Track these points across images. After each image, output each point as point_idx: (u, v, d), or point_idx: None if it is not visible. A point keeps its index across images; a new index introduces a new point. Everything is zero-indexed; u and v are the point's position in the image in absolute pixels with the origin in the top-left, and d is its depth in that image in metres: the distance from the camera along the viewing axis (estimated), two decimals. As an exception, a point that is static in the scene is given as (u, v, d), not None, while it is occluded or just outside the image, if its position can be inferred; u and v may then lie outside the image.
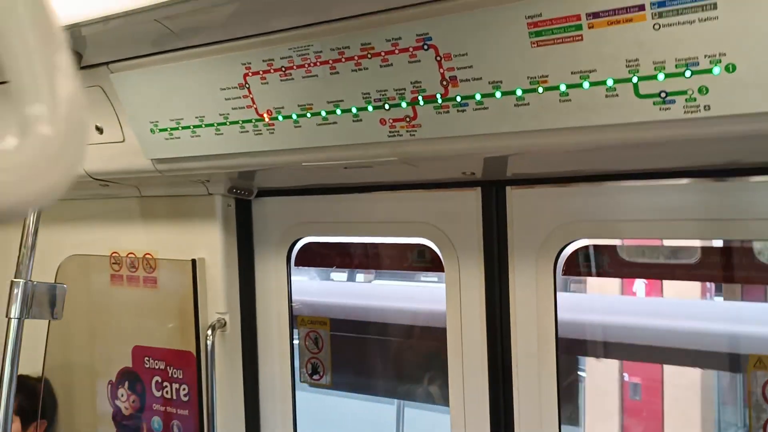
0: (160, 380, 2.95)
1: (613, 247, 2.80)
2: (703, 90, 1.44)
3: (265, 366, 2.94)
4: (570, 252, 2.32)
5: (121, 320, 3.06)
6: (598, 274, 2.76)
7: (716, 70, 1.41)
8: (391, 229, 2.64)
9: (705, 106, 1.46)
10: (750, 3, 1.32)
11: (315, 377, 2.85)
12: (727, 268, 2.74)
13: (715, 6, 1.35)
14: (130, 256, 3.01)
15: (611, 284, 4.32)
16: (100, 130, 2.47)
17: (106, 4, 1.85)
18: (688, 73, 1.44)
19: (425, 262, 2.84)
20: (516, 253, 2.33)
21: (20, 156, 0.40)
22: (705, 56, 1.41)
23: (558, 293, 2.26)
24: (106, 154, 2.51)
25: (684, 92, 1.46)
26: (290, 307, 2.87)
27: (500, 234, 2.35)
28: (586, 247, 2.74)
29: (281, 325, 2.89)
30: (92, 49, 2.16)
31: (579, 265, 2.68)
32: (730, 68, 1.39)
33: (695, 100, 1.46)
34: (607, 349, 3.63)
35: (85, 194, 3.08)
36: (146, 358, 2.99)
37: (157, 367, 2.96)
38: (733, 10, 1.34)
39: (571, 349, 3.47)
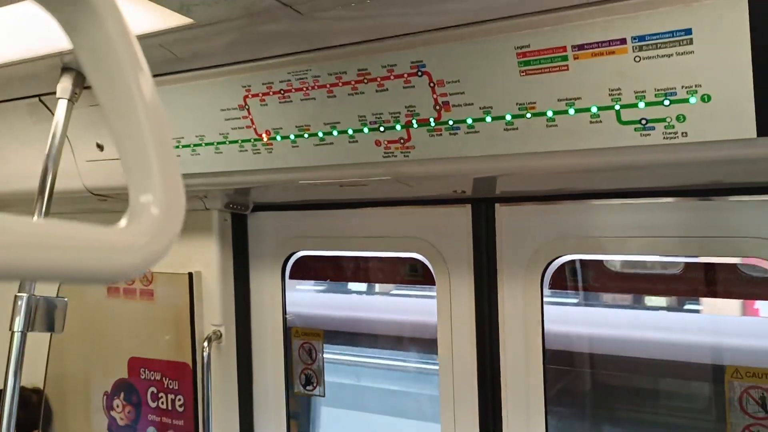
0: (155, 391, 3.01)
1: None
2: (680, 118, 1.54)
3: (260, 377, 3.01)
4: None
5: (118, 332, 3.12)
6: (590, 288, 2.85)
7: (693, 99, 1.51)
8: (384, 243, 2.72)
9: (683, 133, 1.56)
10: (723, 39, 1.42)
11: (308, 388, 2.91)
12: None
13: (691, 41, 1.45)
14: (126, 269, 3.06)
15: (729, 305, 3.82)
16: (100, 147, 2.54)
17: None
18: (666, 102, 1.54)
19: (417, 275, 2.93)
20: (505, 268, 2.42)
21: (128, 234, 0.50)
22: (682, 87, 1.51)
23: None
24: (106, 170, 2.58)
25: (663, 120, 1.56)
26: (284, 319, 2.94)
27: (489, 249, 2.44)
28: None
29: (275, 336, 2.95)
30: (96, 70, 2.23)
31: (569, 279, 2.76)
32: (706, 98, 1.49)
33: (674, 127, 1.56)
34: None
35: (84, 208, 3.14)
36: (142, 370, 3.04)
37: (152, 378, 3.01)
38: (708, 44, 1.44)
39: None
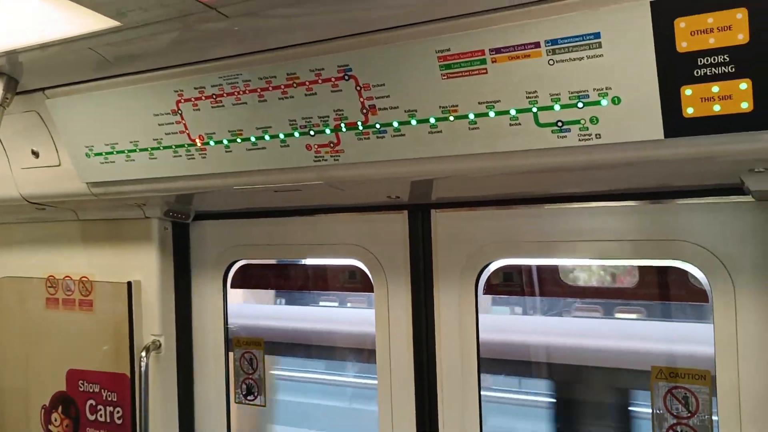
0: (94, 403, 2.96)
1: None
2: (594, 120, 1.59)
3: (201, 387, 2.98)
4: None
5: (56, 344, 3.06)
6: (522, 293, 2.89)
7: (604, 102, 1.55)
8: (323, 250, 2.73)
9: (596, 135, 1.60)
10: (629, 42, 1.47)
11: (249, 398, 2.89)
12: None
13: (600, 45, 1.50)
14: (66, 279, 3.03)
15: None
16: (36, 154, 2.51)
17: (42, 32, 1.91)
18: (580, 105, 1.58)
19: (356, 282, 2.94)
20: (440, 273, 2.44)
21: None
22: (594, 89, 1.55)
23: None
24: (41, 178, 2.55)
25: (578, 122, 1.61)
26: (226, 329, 2.92)
27: (426, 255, 2.47)
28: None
29: (217, 346, 2.93)
30: (29, 75, 2.21)
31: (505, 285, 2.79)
32: (616, 100, 1.54)
33: (588, 129, 1.60)
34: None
35: (21, 218, 3.09)
36: (81, 382, 2.99)
37: (91, 390, 2.96)
38: (616, 48, 1.49)
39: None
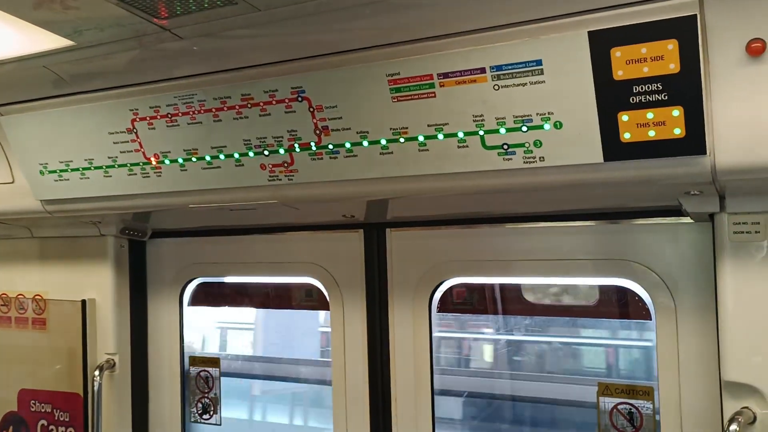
0: (45, 424, 2.91)
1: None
2: (537, 143, 1.64)
3: (156, 406, 2.96)
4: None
5: (8, 363, 3.02)
6: (474, 311, 2.92)
7: (547, 126, 1.61)
8: (279, 269, 2.75)
9: (540, 158, 1.66)
10: (569, 70, 1.53)
11: (205, 417, 2.87)
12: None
13: (542, 71, 1.56)
14: (19, 297, 2.99)
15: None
16: (-11, 170, 2.50)
17: (-4, 49, 1.92)
18: (524, 129, 1.64)
19: (312, 301, 2.96)
20: (395, 292, 2.48)
21: None
22: (537, 114, 1.61)
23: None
24: (-5, 195, 2.53)
25: (522, 145, 1.66)
26: (182, 347, 2.91)
27: (381, 274, 2.50)
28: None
29: (172, 364, 2.92)
30: (-18, 92, 2.21)
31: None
32: (558, 125, 1.60)
33: (532, 152, 1.66)
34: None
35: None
36: (32, 402, 2.95)
37: (43, 410, 2.92)
38: (557, 75, 1.55)
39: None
